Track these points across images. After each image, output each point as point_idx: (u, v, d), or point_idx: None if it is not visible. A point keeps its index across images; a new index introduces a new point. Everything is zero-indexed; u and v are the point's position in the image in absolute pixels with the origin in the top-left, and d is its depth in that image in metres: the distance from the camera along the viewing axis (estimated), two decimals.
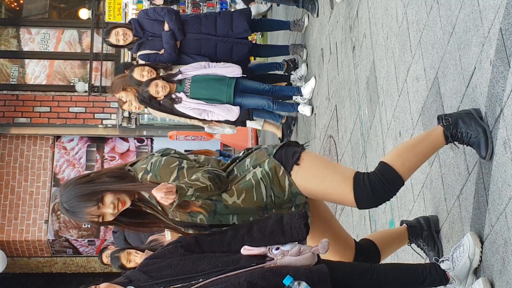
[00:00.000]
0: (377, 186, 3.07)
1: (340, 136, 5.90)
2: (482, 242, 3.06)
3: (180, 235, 3.16)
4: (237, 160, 3.22)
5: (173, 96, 6.75)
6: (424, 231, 3.68)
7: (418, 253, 3.76)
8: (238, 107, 6.85)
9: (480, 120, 3.08)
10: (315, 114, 6.97)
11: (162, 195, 2.89)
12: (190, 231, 3.18)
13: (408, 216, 4.12)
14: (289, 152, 3.18)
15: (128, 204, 3.07)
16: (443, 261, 3.17)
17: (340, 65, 6.02)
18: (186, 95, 6.79)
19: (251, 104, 7.01)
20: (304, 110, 7.10)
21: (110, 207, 3.03)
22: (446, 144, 3.17)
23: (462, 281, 3.11)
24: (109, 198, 3.02)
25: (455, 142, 3.15)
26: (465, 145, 3.17)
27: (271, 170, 3.11)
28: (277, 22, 8.01)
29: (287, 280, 2.70)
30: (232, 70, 6.98)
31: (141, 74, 7.01)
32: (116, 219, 3.10)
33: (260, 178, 3.10)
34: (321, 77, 6.84)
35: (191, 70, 6.91)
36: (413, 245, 3.71)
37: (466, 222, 3.27)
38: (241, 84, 6.99)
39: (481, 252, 3.05)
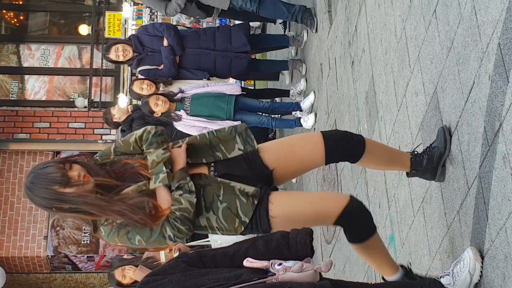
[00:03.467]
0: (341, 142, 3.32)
1: None
2: (482, 257, 3.05)
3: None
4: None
5: (172, 114, 6.77)
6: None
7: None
8: (239, 123, 6.86)
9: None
10: (314, 128, 6.98)
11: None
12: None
13: (408, 231, 4.12)
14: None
15: (91, 183, 3.10)
16: (443, 276, 3.16)
17: (339, 80, 6.03)
18: (186, 112, 6.80)
19: (251, 121, 7.01)
20: (307, 120, 7.07)
21: (75, 172, 3.09)
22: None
23: None
24: (76, 167, 3.10)
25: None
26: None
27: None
28: (276, 37, 8.03)
29: None
30: (231, 88, 7.00)
31: (141, 87, 7.03)
32: None
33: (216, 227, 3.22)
34: (320, 92, 6.84)
35: (191, 89, 6.93)
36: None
37: (466, 237, 3.26)
38: (241, 102, 7.01)
39: (482, 267, 3.04)
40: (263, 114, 7.19)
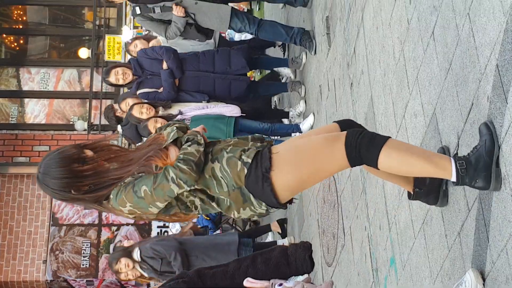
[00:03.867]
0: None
1: (339, 172, 5.89)
2: (483, 279, 3.03)
3: None
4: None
5: None
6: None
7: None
8: None
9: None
10: None
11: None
12: None
13: (409, 253, 4.10)
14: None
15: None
16: None
17: (339, 102, 6.04)
18: None
19: None
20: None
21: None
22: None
23: None
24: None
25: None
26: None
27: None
28: (275, 60, 8.06)
29: None
30: (231, 110, 7.02)
31: (140, 111, 7.04)
32: None
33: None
34: (319, 114, 6.85)
35: (190, 111, 6.94)
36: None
37: (467, 258, 3.24)
38: (240, 124, 7.02)
39: None
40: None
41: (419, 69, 3.98)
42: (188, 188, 3.10)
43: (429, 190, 3.44)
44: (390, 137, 3.02)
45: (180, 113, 6.94)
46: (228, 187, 3.11)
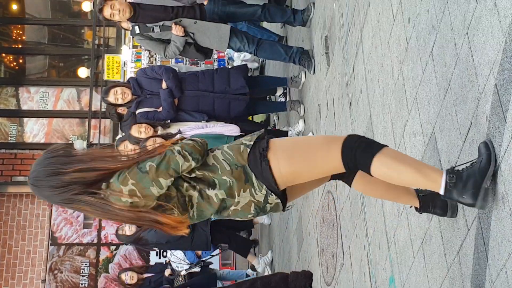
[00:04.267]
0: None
1: (338, 191, 5.89)
2: None
3: None
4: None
5: None
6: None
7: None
8: None
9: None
10: None
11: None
12: None
13: (408, 273, 4.09)
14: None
15: None
16: None
17: (338, 121, 6.05)
18: None
19: None
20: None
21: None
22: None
23: None
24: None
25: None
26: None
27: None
28: (274, 79, 8.08)
29: None
30: (231, 129, 7.02)
31: (139, 130, 7.05)
32: None
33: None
34: (318, 133, 6.86)
35: (189, 130, 6.95)
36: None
37: (466, 278, 3.24)
38: None
39: None
40: None
41: (418, 88, 3.99)
42: (194, 164, 3.10)
43: (434, 199, 3.41)
44: (387, 146, 3.07)
45: (179, 132, 6.94)
46: (231, 166, 3.14)
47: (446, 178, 2.95)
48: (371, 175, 3.05)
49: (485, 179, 2.91)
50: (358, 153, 3.02)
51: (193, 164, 3.10)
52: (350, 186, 3.38)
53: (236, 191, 3.15)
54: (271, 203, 3.19)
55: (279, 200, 3.17)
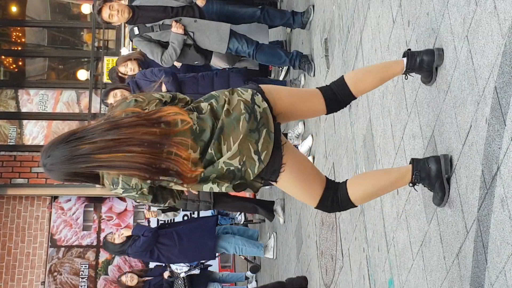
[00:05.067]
0: (336, 209, 3.55)
1: None
2: None
3: None
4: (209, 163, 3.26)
5: None
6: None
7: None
8: None
9: (445, 183, 3.43)
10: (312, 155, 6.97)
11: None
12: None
13: (407, 275, 4.10)
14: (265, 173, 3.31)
15: None
16: None
17: (337, 124, 6.05)
18: None
19: None
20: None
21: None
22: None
23: None
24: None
25: (415, 187, 3.54)
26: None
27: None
28: (274, 82, 8.08)
29: None
30: None
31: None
32: None
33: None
34: (318, 135, 6.87)
35: None
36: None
37: (465, 280, 3.24)
38: None
39: None
40: None
41: (417, 91, 4.00)
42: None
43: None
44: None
45: None
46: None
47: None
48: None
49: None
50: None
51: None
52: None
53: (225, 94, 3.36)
54: (259, 106, 3.29)
55: (266, 105, 3.31)
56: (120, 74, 7.83)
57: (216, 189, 3.23)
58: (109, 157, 2.98)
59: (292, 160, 3.36)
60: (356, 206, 3.52)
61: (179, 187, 3.24)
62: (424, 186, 3.55)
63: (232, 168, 3.21)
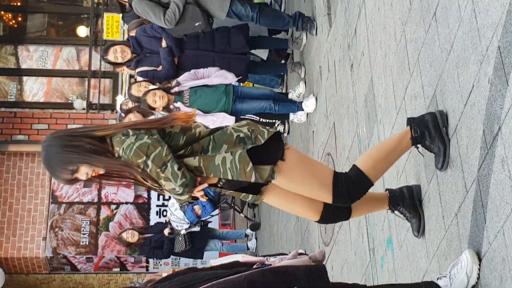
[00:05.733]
0: (353, 194, 3.46)
1: (338, 153, 5.91)
2: (480, 260, 3.06)
3: None
4: (215, 131, 3.38)
5: (171, 107, 6.77)
6: (406, 200, 3.84)
7: (399, 217, 3.95)
8: (233, 118, 6.85)
9: (444, 135, 3.47)
10: (313, 131, 6.99)
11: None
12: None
13: (405, 234, 4.13)
14: (271, 149, 3.36)
15: (101, 172, 3.29)
16: (440, 278, 3.17)
17: (339, 83, 6.04)
18: (184, 105, 6.80)
19: (251, 108, 7.02)
20: (308, 105, 7.07)
21: (83, 176, 3.28)
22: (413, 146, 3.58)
23: None
24: (84, 169, 3.25)
25: (418, 147, 3.57)
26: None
27: (240, 162, 3.28)
28: (275, 40, 8.03)
29: None
30: (228, 78, 6.96)
31: (138, 90, 7.04)
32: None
33: (228, 168, 3.28)
34: (319, 95, 6.85)
35: (188, 81, 6.90)
36: (396, 212, 3.87)
37: (464, 239, 3.27)
38: (241, 91, 7.00)
39: (479, 269, 3.05)
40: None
41: (420, 50, 3.98)
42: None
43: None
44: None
45: (178, 83, 6.90)
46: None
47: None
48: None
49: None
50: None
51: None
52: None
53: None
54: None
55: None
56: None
57: (229, 158, 3.28)
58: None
59: (296, 151, 3.47)
60: (370, 181, 3.48)
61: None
62: (426, 147, 3.55)
63: (242, 135, 3.32)
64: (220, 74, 6.95)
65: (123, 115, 7.64)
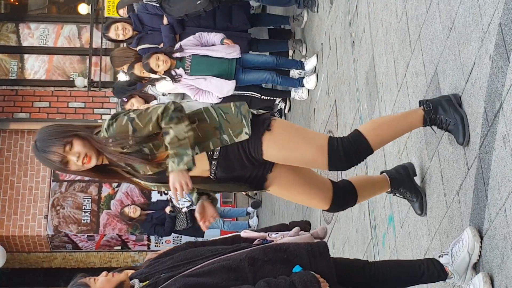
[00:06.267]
0: (349, 153, 3.29)
1: (339, 131, 5.90)
2: (481, 237, 3.06)
3: None
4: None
5: (173, 73, 6.74)
6: (405, 180, 3.81)
7: (401, 197, 3.94)
8: (234, 81, 6.82)
9: (458, 107, 3.30)
10: (314, 109, 6.97)
11: (178, 190, 3.10)
12: (162, 189, 3.36)
13: (407, 211, 4.13)
14: (259, 120, 3.29)
15: (93, 162, 3.19)
16: (442, 255, 3.17)
17: (340, 60, 6.02)
18: (186, 72, 6.77)
19: (253, 79, 6.99)
20: (309, 81, 7.04)
21: (75, 155, 3.15)
22: (423, 126, 3.41)
23: (461, 276, 3.11)
24: (77, 145, 3.15)
25: (432, 127, 3.40)
26: (443, 131, 3.41)
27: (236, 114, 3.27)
28: (276, 17, 8.00)
29: (296, 269, 2.72)
30: (232, 51, 6.90)
31: (141, 70, 7.00)
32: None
33: (213, 110, 3.28)
34: (320, 72, 6.83)
35: (191, 47, 6.84)
36: (397, 194, 3.86)
37: (465, 217, 3.27)
38: (243, 60, 6.95)
39: (481, 247, 3.06)
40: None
41: (421, 28, 3.96)
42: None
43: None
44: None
45: (181, 47, 6.85)
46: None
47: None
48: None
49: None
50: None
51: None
52: None
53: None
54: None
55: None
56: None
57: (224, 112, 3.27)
58: None
59: (283, 121, 3.42)
60: (368, 143, 3.30)
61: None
62: (441, 124, 3.36)
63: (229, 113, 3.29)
64: (225, 47, 6.88)
65: (125, 99, 7.63)
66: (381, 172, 3.90)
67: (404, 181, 3.81)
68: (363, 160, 3.38)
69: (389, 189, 3.82)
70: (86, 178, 11.90)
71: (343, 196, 3.59)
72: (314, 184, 3.53)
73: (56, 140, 3.15)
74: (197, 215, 3.40)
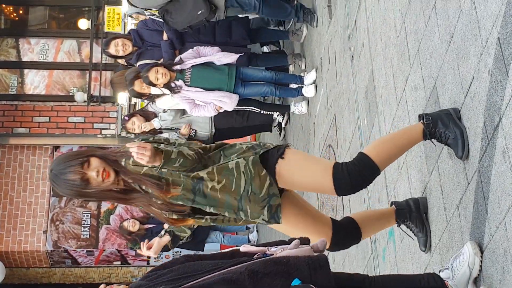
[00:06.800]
0: (354, 173, 3.29)
1: (339, 145, 5.90)
2: (481, 252, 3.06)
3: None
4: (223, 146, 3.43)
5: (173, 85, 6.75)
6: (413, 213, 3.77)
7: (407, 234, 3.90)
8: (237, 95, 6.85)
9: (458, 121, 3.30)
10: (314, 123, 6.97)
11: (135, 150, 3.10)
12: (174, 216, 3.45)
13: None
14: (274, 151, 3.38)
15: (111, 177, 3.23)
16: (442, 270, 3.16)
17: (339, 75, 6.03)
18: (185, 84, 6.77)
19: (252, 93, 7.01)
20: (308, 91, 7.05)
21: (94, 170, 3.18)
22: (423, 140, 3.40)
23: None
24: (95, 162, 3.19)
25: (432, 140, 3.38)
26: (443, 144, 3.40)
27: (253, 166, 3.30)
28: (276, 32, 8.02)
29: (295, 282, 2.71)
30: (230, 58, 6.91)
31: (141, 86, 7.00)
32: (101, 192, 3.28)
33: (242, 171, 3.29)
34: (319, 87, 6.84)
35: (191, 59, 6.85)
36: (402, 226, 3.82)
37: (465, 231, 3.26)
38: (242, 73, 6.96)
39: (481, 261, 3.05)
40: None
41: (420, 42, 3.97)
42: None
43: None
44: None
45: (181, 60, 6.86)
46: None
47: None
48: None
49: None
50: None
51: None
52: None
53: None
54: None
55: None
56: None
57: (242, 163, 3.30)
58: None
59: (295, 150, 3.48)
60: (373, 161, 3.30)
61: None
62: (440, 138, 3.35)
63: (250, 145, 3.39)
64: (223, 55, 6.90)
65: (126, 118, 7.64)
66: (391, 204, 3.86)
67: (411, 214, 3.77)
68: (371, 181, 3.36)
69: (395, 222, 3.78)
70: None
71: (344, 237, 3.60)
72: (314, 218, 3.56)
73: (73, 161, 3.19)
74: (146, 245, 3.72)
